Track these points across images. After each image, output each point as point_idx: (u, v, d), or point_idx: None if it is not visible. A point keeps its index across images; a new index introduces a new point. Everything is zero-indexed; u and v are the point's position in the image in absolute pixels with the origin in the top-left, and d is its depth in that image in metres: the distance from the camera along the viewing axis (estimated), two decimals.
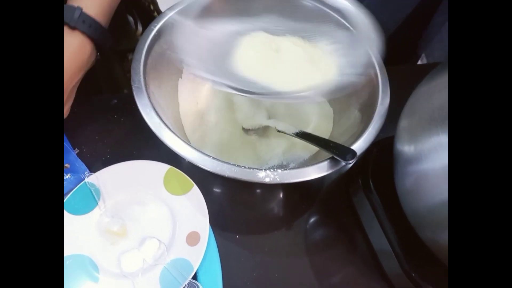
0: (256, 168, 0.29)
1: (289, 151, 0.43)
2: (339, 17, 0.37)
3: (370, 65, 0.34)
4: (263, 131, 0.43)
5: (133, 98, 0.38)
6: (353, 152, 0.29)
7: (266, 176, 0.29)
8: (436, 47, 0.66)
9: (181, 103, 0.43)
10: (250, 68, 0.36)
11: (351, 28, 0.37)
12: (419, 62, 0.70)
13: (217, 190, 0.43)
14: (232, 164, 0.29)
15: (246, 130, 0.43)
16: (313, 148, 0.42)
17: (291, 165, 0.42)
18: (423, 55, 0.69)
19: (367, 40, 0.34)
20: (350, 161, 0.28)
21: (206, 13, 0.33)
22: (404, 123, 0.31)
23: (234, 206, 0.42)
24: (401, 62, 0.65)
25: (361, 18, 0.36)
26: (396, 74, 0.38)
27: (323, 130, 0.42)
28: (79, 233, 0.35)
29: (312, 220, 0.42)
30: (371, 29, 0.35)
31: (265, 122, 0.40)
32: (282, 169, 0.29)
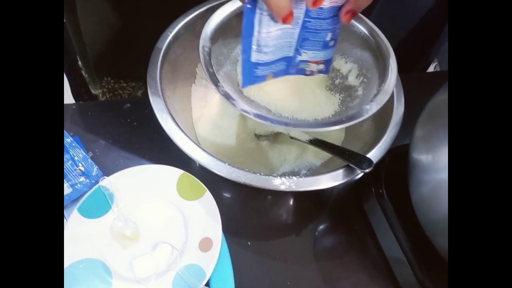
0: (271, 175, 0.29)
1: (301, 157, 0.43)
2: (362, 35, 0.37)
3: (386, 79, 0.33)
4: (274, 137, 0.43)
5: (146, 102, 0.39)
6: (369, 161, 0.29)
7: (281, 184, 0.29)
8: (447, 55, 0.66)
9: (194, 108, 0.43)
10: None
11: (372, 47, 0.36)
12: (431, 70, 0.70)
13: (227, 195, 0.43)
14: (247, 170, 0.30)
15: (258, 136, 0.43)
16: (325, 155, 0.42)
17: (303, 171, 0.42)
18: (435, 63, 0.69)
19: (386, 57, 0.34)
20: (367, 170, 0.28)
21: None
22: (420, 132, 0.31)
23: (245, 212, 0.42)
24: (409, 69, 0.65)
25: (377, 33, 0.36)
26: (406, 82, 0.38)
27: (335, 137, 0.43)
28: (92, 236, 0.35)
29: (323, 226, 0.42)
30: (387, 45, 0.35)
31: (278, 128, 0.40)
32: (298, 176, 0.29)
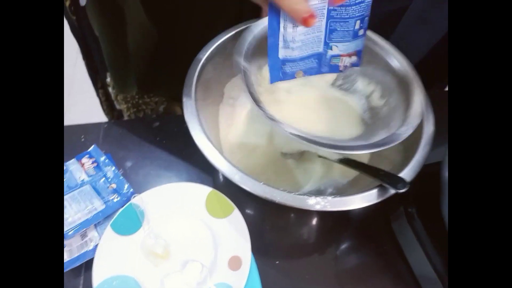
0: (306, 195, 0.29)
1: (327, 176, 0.43)
2: (386, 59, 0.38)
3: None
4: (300, 155, 0.44)
5: (175, 120, 0.39)
6: (404, 181, 0.29)
7: (316, 203, 0.29)
8: None
9: (221, 127, 0.44)
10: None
11: (396, 71, 0.37)
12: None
13: (250, 212, 0.43)
14: (282, 189, 0.30)
15: (284, 154, 0.44)
16: (351, 173, 0.42)
17: (329, 190, 0.42)
18: None
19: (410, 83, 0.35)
20: (402, 190, 0.29)
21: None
22: None
23: (270, 229, 0.42)
24: (431, 86, 0.65)
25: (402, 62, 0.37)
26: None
27: (360, 156, 0.43)
28: (124, 253, 0.36)
29: (350, 247, 0.41)
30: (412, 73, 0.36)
31: (306, 147, 0.41)
32: (333, 196, 0.29)
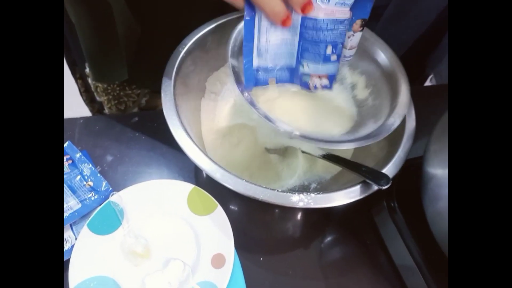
0: (289, 192, 0.29)
1: (310, 171, 0.43)
2: (369, 50, 0.37)
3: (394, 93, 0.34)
4: (284, 150, 0.43)
5: (154, 115, 0.38)
6: (387, 177, 0.29)
7: (299, 200, 0.29)
8: (444, 67, 0.67)
9: (203, 122, 0.43)
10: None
11: (379, 62, 0.37)
12: (427, 83, 0.71)
13: (234, 208, 0.43)
14: (264, 187, 0.29)
15: (267, 150, 0.43)
16: (334, 169, 0.42)
17: (313, 185, 0.42)
18: (431, 75, 0.70)
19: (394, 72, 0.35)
20: (385, 187, 0.28)
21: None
22: (435, 146, 0.31)
23: (255, 226, 0.41)
24: (411, 82, 0.66)
25: (388, 53, 0.37)
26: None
27: (344, 152, 0.43)
28: (103, 254, 0.34)
29: (333, 240, 0.42)
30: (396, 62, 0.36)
31: (289, 142, 0.40)
32: (316, 193, 0.29)
